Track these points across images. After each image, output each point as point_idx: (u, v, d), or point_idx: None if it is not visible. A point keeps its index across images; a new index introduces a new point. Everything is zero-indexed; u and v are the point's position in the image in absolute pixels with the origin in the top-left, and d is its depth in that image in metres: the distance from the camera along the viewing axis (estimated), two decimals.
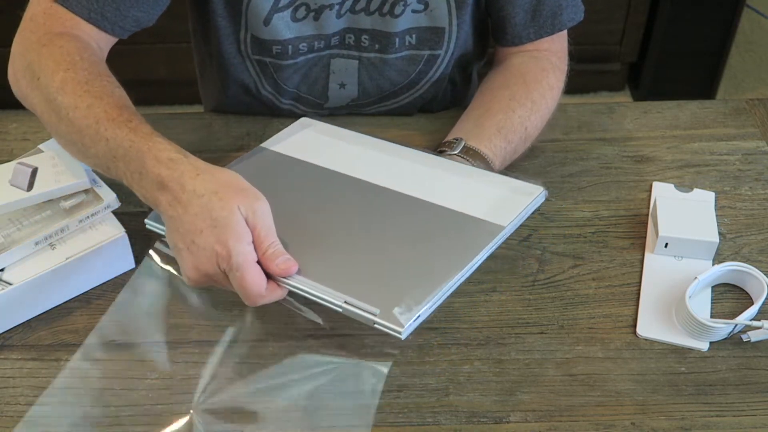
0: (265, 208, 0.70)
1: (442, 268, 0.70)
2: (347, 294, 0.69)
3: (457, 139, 0.88)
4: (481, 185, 0.79)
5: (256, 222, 0.69)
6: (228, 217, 0.68)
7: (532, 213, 0.76)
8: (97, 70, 0.81)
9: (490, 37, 1.04)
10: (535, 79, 0.95)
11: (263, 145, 0.89)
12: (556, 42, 0.97)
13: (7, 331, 0.78)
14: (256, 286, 0.69)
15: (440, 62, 0.99)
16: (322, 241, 0.75)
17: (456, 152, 0.86)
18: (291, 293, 0.72)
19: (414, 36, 0.95)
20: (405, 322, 0.66)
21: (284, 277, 0.70)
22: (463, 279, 0.70)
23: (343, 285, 0.70)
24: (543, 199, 0.77)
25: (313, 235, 0.75)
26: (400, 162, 0.84)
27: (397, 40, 0.95)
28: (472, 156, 0.86)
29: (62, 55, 0.80)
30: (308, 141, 0.89)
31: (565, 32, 0.98)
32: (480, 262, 0.71)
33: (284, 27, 0.92)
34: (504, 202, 0.76)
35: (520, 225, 0.75)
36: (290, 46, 0.94)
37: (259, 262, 0.69)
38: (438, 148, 0.89)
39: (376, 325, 0.67)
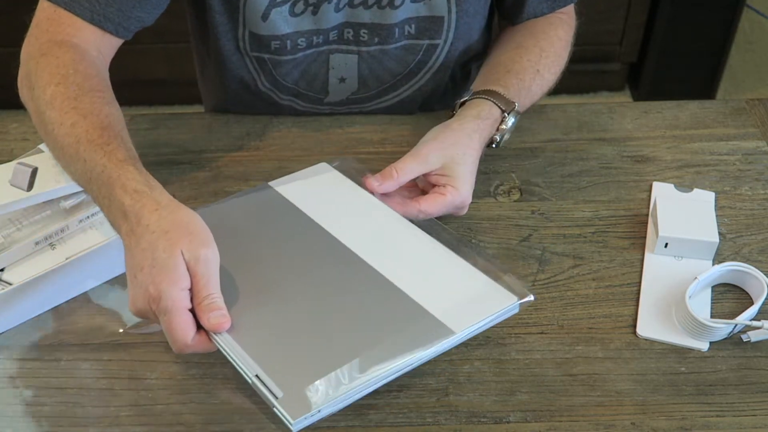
0: (211, 256, 0.67)
1: (371, 362, 0.66)
2: (265, 365, 0.66)
3: (467, 92, 0.90)
4: (457, 280, 0.74)
5: (197, 269, 0.67)
6: (167, 259, 0.66)
7: (503, 319, 0.71)
8: (90, 84, 0.80)
9: (494, 28, 1.05)
10: (543, 30, 0.96)
11: (270, 183, 0.86)
12: (566, 7, 0.99)
13: (7, 331, 0.78)
14: (181, 333, 0.66)
15: (439, 51, 0.99)
16: (268, 302, 0.72)
17: (465, 98, 0.88)
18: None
19: (413, 26, 0.95)
20: (300, 415, 0.62)
21: (214, 333, 0.68)
22: (391, 378, 0.66)
23: (266, 355, 0.67)
24: (517, 310, 0.71)
25: (264, 293, 0.72)
26: (390, 235, 0.79)
27: (396, 30, 0.95)
28: (486, 94, 0.87)
29: (57, 66, 0.80)
30: (313, 189, 0.86)
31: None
32: (417, 364, 0.67)
33: (282, 22, 0.92)
34: (469, 306, 0.71)
35: (494, 322, 0.71)
36: (289, 41, 0.94)
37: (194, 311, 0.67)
38: (451, 109, 0.91)
39: (274, 408, 0.64)
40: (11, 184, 0.81)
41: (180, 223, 0.68)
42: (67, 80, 0.79)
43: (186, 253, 0.66)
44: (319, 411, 0.63)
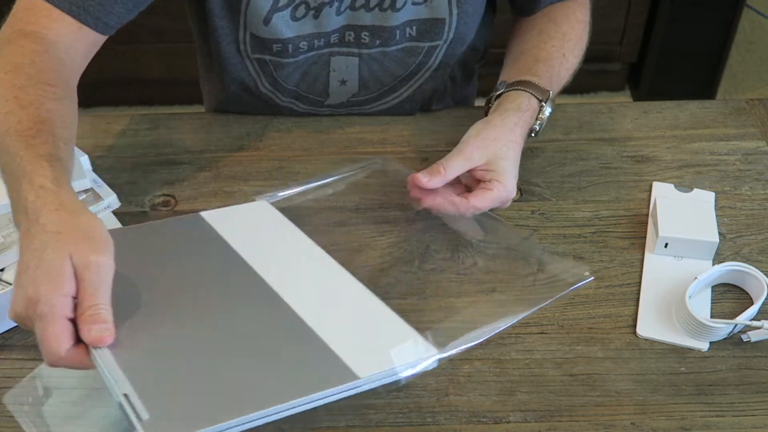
0: (103, 264, 0.62)
1: (257, 397, 0.60)
2: (138, 385, 0.59)
3: (501, 84, 0.90)
4: (375, 326, 0.70)
5: (85, 275, 0.61)
6: (53, 261, 0.60)
7: (421, 372, 0.66)
8: (43, 77, 0.77)
9: (494, 31, 1.06)
10: (563, 15, 0.97)
11: (201, 213, 0.82)
12: None
13: (7, 331, 0.78)
14: (55, 343, 0.60)
15: (438, 51, 0.99)
16: (163, 326, 0.66)
17: (500, 92, 0.89)
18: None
19: (414, 28, 0.95)
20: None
21: (94, 347, 0.61)
22: (279, 416, 0.60)
23: (143, 376, 0.60)
24: (435, 365, 0.66)
25: (161, 317, 0.67)
26: (316, 276, 0.76)
27: (397, 32, 0.95)
28: (522, 86, 0.88)
29: (15, 55, 0.78)
30: (245, 224, 0.82)
31: None
32: (311, 406, 0.61)
33: (284, 26, 0.92)
34: (381, 352, 0.66)
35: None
36: (290, 45, 0.94)
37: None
38: (487, 103, 0.92)
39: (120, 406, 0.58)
40: None
41: (77, 226, 0.63)
42: (20, 70, 0.76)
43: (75, 257, 0.61)
44: None
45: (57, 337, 0.60)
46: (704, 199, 0.90)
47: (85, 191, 0.82)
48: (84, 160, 0.86)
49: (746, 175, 0.94)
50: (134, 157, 0.95)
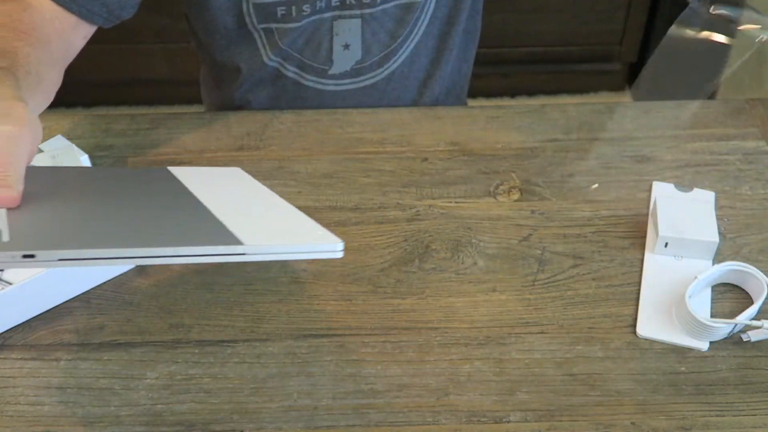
0: (16, 135, 0.62)
1: (121, 237, 0.59)
2: (13, 229, 0.58)
3: None
4: (282, 220, 0.68)
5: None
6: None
7: (318, 257, 0.62)
8: (18, 26, 0.77)
9: (489, 31, 1.07)
10: None
11: (168, 167, 0.81)
12: None
13: (7, 331, 0.78)
14: None
15: (429, 4, 1.01)
16: (67, 204, 0.66)
17: None
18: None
19: None
20: (7, 248, 0.54)
21: None
22: (139, 260, 0.56)
23: (23, 224, 0.59)
24: (340, 254, 0.60)
25: (68, 200, 0.66)
26: (250, 198, 0.74)
27: None
28: None
29: None
30: (210, 176, 0.81)
31: None
32: (182, 257, 0.57)
33: None
34: (278, 234, 0.64)
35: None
36: (294, 7, 0.95)
37: None
38: None
39: None
40: None
41: (2, 106, 0.64)
42: None
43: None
44: (34, 256, 0.54)
45: None
46: (704, 198, 0.90)
47: None
48: (84, 160, 0.86)
49: (746, 174, 0.94)
50: (134, 157, 0.95)
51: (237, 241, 0.58)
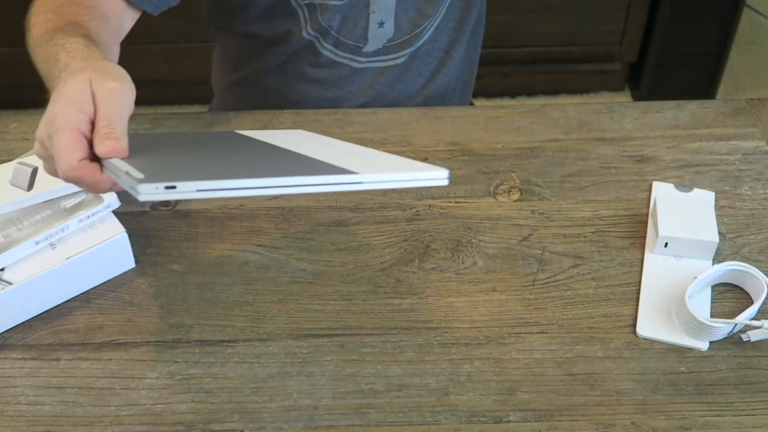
0: (120, 90, 0.66)
1: (250, 170, 0.63)
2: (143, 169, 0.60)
3: None
4: (381, 157, 0.72)
5: (102, 100, 0.65)
6: (73, 85, 0.65)
7: (428, 185, 0.65)
8: (79, 2, 0.84)
9: (492, 31, 1.10)
10: None
11: (236, 131, 0.87)
12: None
13: (7, 330, 0.78)
14: (68, 153, 0.62)
15: None
16: (176, 154, 0.71)
17: None
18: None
19: None
20: (151, 180, 0.57)
21: (108, 159, 0.64)
22: (270, 190, 0.59)
23: (146, 164, 0.62)
24: (445, 182, 0.64)
25: (176, 152, 0.72)
26: (345, 148, 0.77)
27: None
28: None
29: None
30: (282, 134, 0.86)
31: None
32: (303, 187, 0.60)
33: None
34: (387, 166, 0.68)
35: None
36: None
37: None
38: None
39: (130, 189, 0.59)
40: (11, 184, 0.81)
41: (99, 65, 0.68)
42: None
43: (94, 83, 0.65)
44: (174, 187, 0.57)
45: (70, 147, 0.63)
46: (704, 198, 0.90)
47: (85, 191, 0.82)
48: None
49: (746, 174, 0.94)
50: None
51: (352, 172, 0.62)
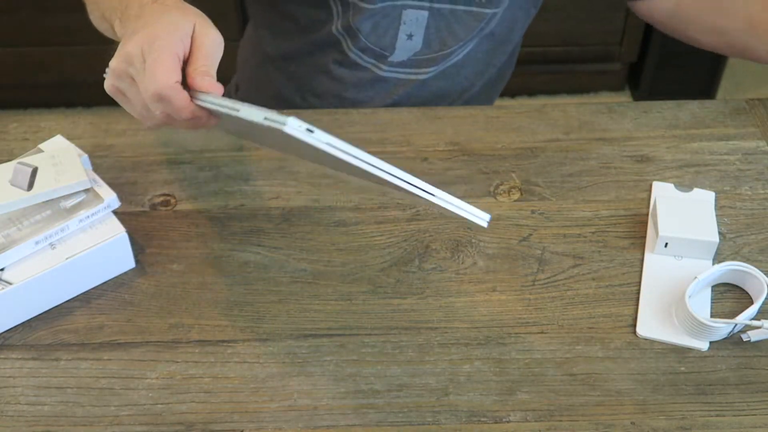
0: (219, 41, 0.68)
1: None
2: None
3: None
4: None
5: (203, 42, 0.67)
6: (180, 17, 0.66)
7: (469, 219, 0.68)
8: None
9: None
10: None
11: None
12: None
13: (7, 330, 0.78)
14: (167, 72, 0.64)
15: (493, 18, 1.04)
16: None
17: None
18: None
19: None
20: (297, 124, 0.59)
21: (202, 99, 0.66)
22: (369, 165, 0.63)
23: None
24: (482, 224, 0.68)
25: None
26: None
27: None
28: None
29: None
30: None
31: None
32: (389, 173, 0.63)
33: None
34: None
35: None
36: None
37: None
38: None
39: (266, 120, 0.60)
40: (11, 184, 0.82)
41: (197, 11, 0.70)
42: None
43: (198, 27, 0.67)
44: (313, 132, 0.60)
45: (170, 66, 0.64)
46: (704, 198, 0.90)
47: (85, 191, 0.82)
48: (84, 160, 0.86)
49: (746, 174, 0.94)
50: (134, 157, 0.95)
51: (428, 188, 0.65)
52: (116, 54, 0.68)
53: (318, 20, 1.05)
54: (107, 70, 0.69)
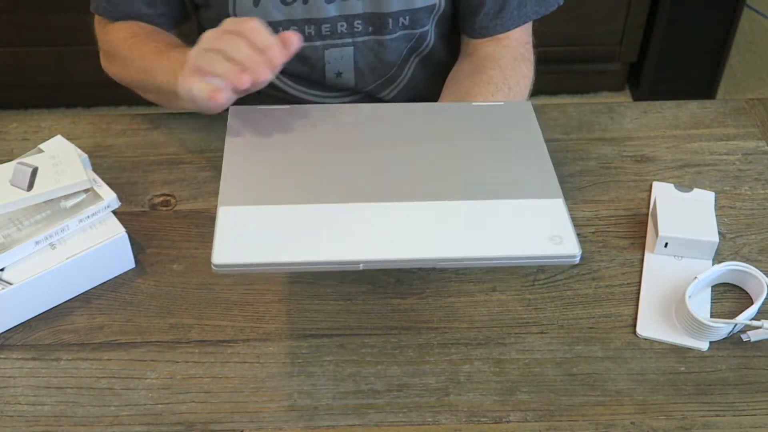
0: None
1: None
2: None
3: None
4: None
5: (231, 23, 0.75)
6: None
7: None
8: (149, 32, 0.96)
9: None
10: (510, 66, 0.96)
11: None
12: (523, 33, 0.99)
13: (7, 331, 0.78)
14: (265, 34, 0.73)
15: (429, 34, 1.01)
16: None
17: None
18: None
19: (408, 17, 0.96)
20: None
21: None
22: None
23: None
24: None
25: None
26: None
27: (390, 21, 0.96)
28: None
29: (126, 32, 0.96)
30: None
31: (530, 24, 1.00)
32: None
33: (274, 8, 0.94)
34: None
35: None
36: (280, 28, 0.94)
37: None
38: None
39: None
40: (11, 184, 0.81)
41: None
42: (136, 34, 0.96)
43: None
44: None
45: (266, 33, 0.74)
46: (704, 198, 0.90)
47: (85, 191, 0.82)
48: (84, 160, 0.86)
49: (746, 174, 0.94)
50: (134, 157, 0.95)
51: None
52: (205, 35, 0.78)
53: None
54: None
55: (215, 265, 0.62)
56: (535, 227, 0.67)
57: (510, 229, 0.67)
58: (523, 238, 0.67)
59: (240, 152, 0.75)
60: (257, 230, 0.65)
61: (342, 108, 0.85)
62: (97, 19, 1.01)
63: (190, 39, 1.05)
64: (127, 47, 0.94)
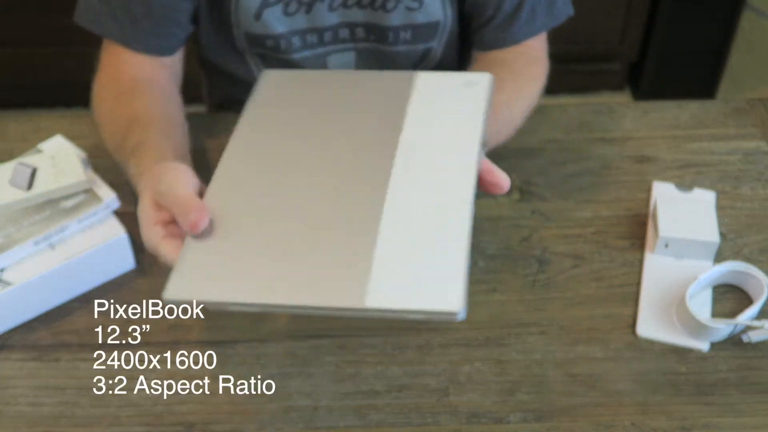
0: (173, 179, 0.68)
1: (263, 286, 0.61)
2: (190, 252, 0.67)
3: None
4: (435, 257, 0.60)
5: (164, 202, 0.67)
6: (140, 210, 0.69)
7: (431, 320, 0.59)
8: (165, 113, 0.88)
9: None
10: (520, 68, 0.95)
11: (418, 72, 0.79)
12: (537, 40, 0.98)
13: (7, 331, 0.78)
14: (174, 259, 0.67)
15: (434, 53, 1.00)
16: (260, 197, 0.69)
17: None
18: None
19: (409, 32, 0.96)
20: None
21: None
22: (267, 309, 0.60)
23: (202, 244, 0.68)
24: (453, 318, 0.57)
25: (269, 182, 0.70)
26: (442, 175, 0.72)
27: (390, 34, 0.95)
28: None
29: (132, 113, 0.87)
30: (442, 97, 0.78)
31: (544, 33, 0.98)
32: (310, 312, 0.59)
33: (275, 21, 0.93)
34: (408, 286, 0.59)
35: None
36: (282, 40, 0.94)
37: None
38: None
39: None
40: (11, 184, 0.81)
41: (154, 174, 0.70)
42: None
43: (147, 197, 0.68)
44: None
45: (172, 256, 0.68)
46: (705, 199, 0.90)
47: (85, 191, 0.82)
48: (84, 160, 0.86)
49: (746, 175, 0.94)
50: None
51: (360, 302, 0.58)
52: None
53: (241, 69, 1.01)
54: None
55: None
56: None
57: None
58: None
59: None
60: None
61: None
62: (110, 50, 0.96)
63: (190, 39, 1.05)
64: (122, 126, 0.86)
